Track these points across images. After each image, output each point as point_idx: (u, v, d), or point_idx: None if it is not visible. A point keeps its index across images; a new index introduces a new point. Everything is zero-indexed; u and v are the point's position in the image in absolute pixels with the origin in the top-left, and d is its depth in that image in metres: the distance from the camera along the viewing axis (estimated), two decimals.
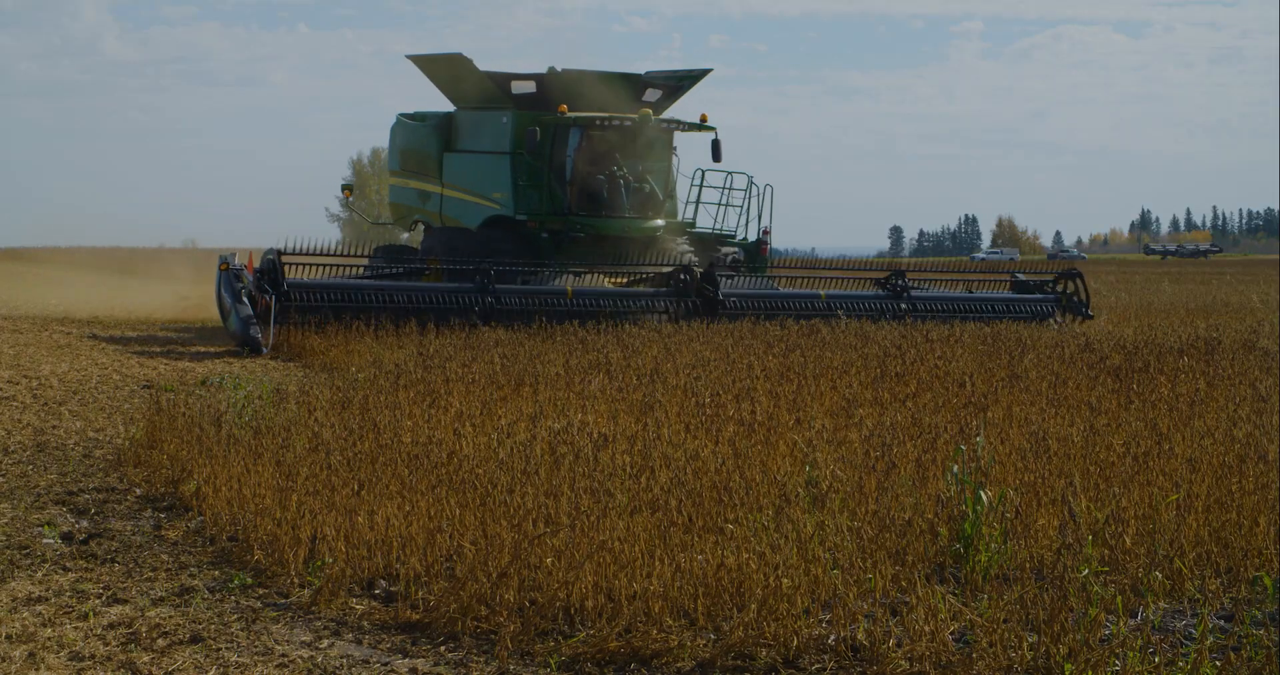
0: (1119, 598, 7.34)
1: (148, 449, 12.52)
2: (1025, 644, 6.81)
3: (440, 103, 29.90)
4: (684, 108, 30.31)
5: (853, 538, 8.43)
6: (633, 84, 28.95)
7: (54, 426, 14.68)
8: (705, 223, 28.97)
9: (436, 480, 9.74)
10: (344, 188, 30.88)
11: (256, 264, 23.23)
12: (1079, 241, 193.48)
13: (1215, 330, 19.42)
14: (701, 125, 28.25)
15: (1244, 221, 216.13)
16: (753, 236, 28.86)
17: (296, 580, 8.70)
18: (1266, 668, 6.43)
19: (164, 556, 9.47)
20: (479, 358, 16.08)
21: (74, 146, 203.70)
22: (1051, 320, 27.19)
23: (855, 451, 10.45)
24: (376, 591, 8.47)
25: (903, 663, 6.97)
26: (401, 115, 30.96)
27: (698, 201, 29.10)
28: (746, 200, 28.75)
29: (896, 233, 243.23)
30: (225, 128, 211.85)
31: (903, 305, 26.25)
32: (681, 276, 25.36)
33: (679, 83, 29.50)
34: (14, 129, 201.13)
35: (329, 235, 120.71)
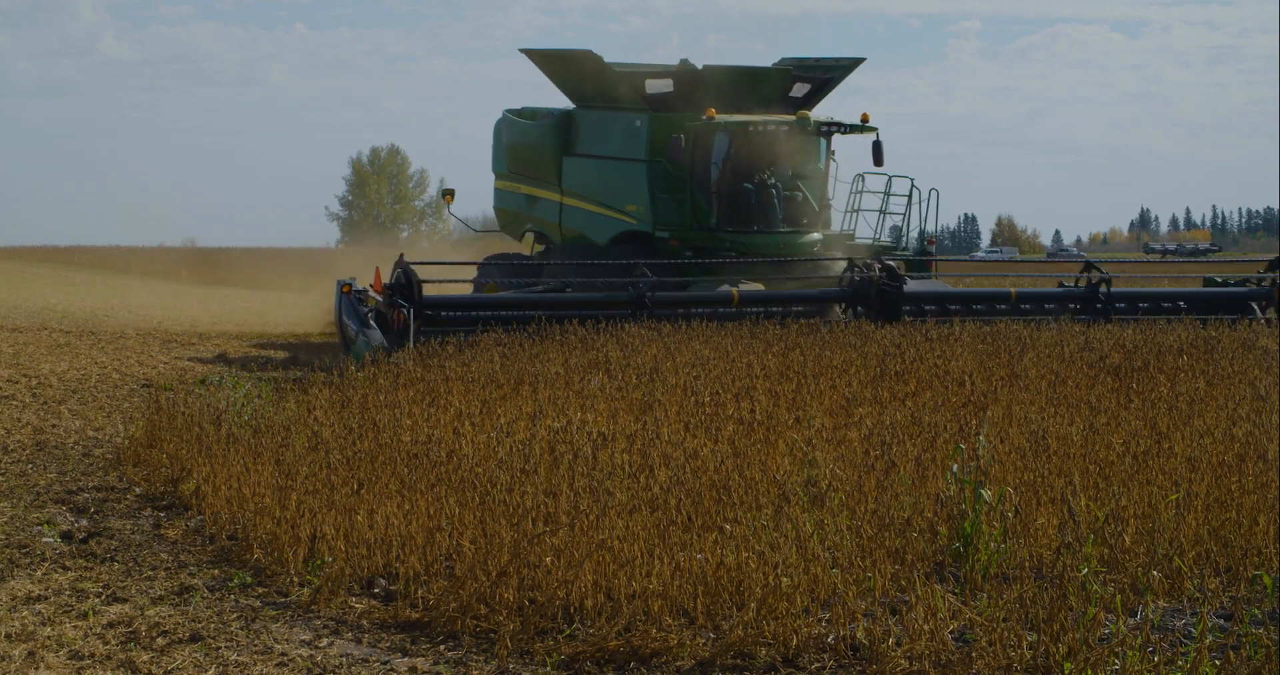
0: (1118, 597, 7.34)
1: (147, 448, 12.53)
2: (1025, 643, 6.81)
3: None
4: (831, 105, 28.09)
5: (852, 537, 8.43)
6: (780, 79, 25.92)
7: (53, 425, 14.69)
8: (861, 233, 26.05)
9: (436, 479, 9.73)
10: (444, 193, 28.30)
11: (385, 280, 20.56)
12: (1078, 240, 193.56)
13: (1215, 329, 19.39)
14: (863, 126, 25.24)
15: (1243, 220, 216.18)
16: (914, 246, 25.88)
17: (296, 579, 8.70)
18: (1266, 666, 6.43)
19: (163, 555, 9.47)
20: (479, 357, 16.07)
21: (72, 146, 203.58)
22: (1261, 318, 23.70)
23: (855, 450, 10.44)
24: (376, 590, 8.47)
25: (902, 662, 6.97)
26: (509, 111, 28.18)
27: (857, 210, 26.00)
28: (908, 207, 25.75)
29: (895, 233, 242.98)
30: (224, 127, 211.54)
31: (1099, 303, 23.24)
32: (858, 273, 22.46)
33: (828, 74, 26.34)
34: (12, 129, 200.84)
35: (329, 234, 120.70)
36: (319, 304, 37.38)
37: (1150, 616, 7.15)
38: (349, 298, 20.69)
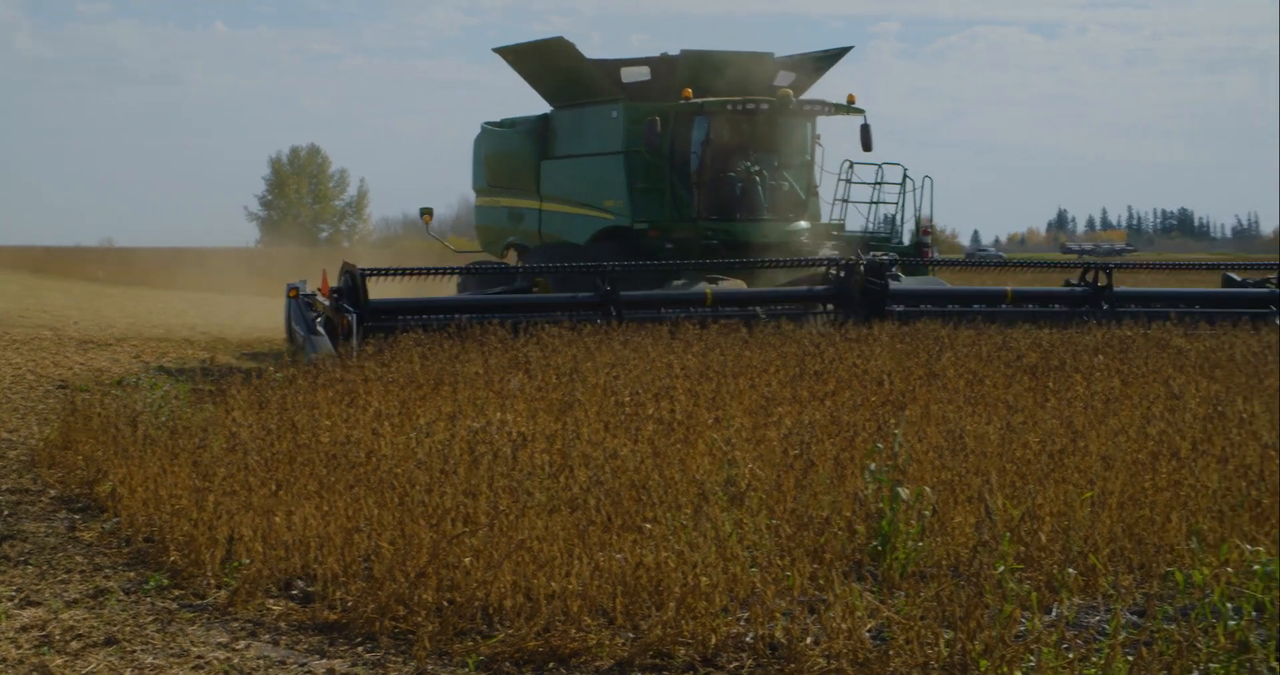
0: (1034, 594, 7.38)
1: (62, 449, 12.42)
2: (941, 641, 6.86)
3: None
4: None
5: (771, 536, 8.45)
6: (763, 66, 24.69)
7: None
8: (852, 223, 24.91)
9: (354, 480, 9.70)
10: (423, 212, 26.18)
11: (332, 283, 19.85)
12: (997, 241, 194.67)
13: (1130, 329, 19.55)
14: (849, 107, 24.01)
15: (1158, 221, 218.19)
16: (909, 238, 24.44)
17: (213, 581, 8.65)
18: (1178, 662, 6.49)
19: (79, 558, 9.39)
20: (398, 357, 16.02)
21: None
22: (1277, 321, 22.32)
23: (774, 450, 10.47)
24: (294, 592, 8.43)
25: (820, 660, 7.00)
26: (487, 123, 27.28)
27: (846, 199, 24.67)
28: (902, 196, 24.34)
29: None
30: (143, 126, 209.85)
31: (1105, 304, 22.12)
32: (840, 270, 21.46)
33: (816, 63, 25.40)
34: None
35: (248, 234, 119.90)
36: (239, 304, 37.20)
37: (1065, 613, 7.20)
38: (297, 302, 19.96)
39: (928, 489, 8.77)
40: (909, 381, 13.86)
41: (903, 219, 24.48)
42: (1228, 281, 24.28)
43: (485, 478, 9.63)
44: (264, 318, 31.40)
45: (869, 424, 11.27)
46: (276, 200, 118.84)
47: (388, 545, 8.36)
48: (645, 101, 23.78)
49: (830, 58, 25.43)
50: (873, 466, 8.77)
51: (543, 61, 25.27)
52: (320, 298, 19.75)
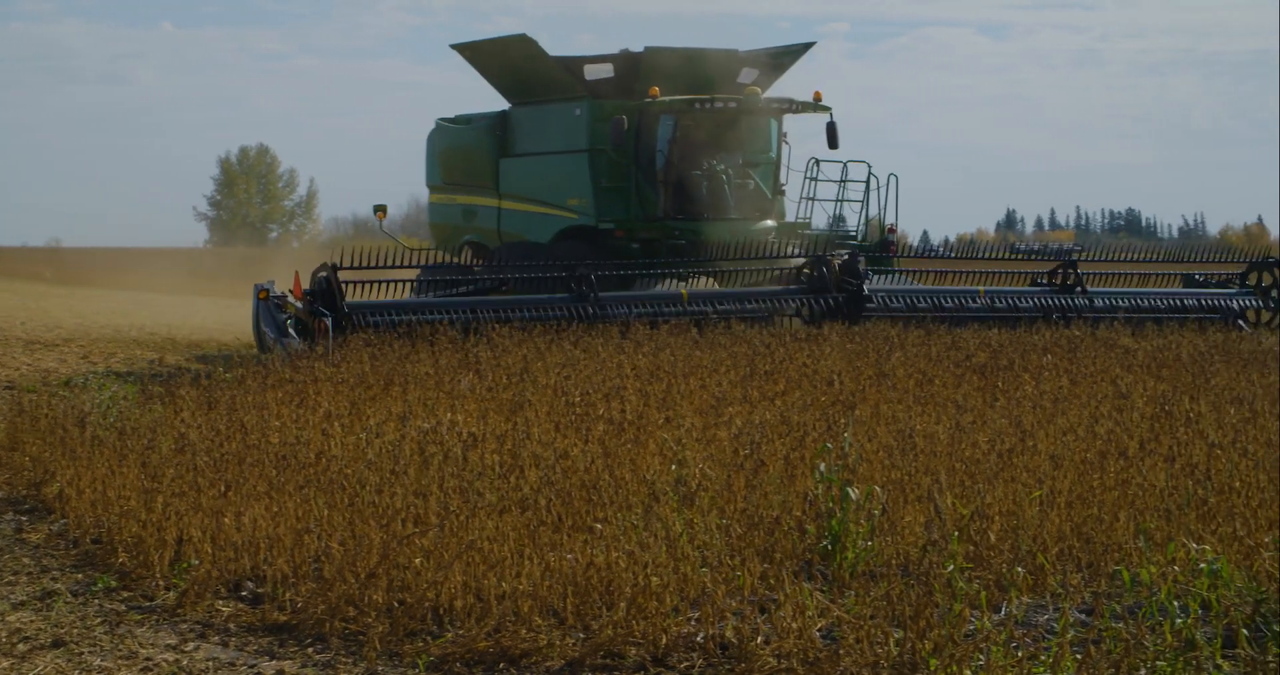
0: (983, 593, 7.42)
1: (9, 451, 12.35)
2: (891, 640, 6.88)
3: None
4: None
5: (721, 536, 8.47)
6: (726, 62, 24.32)
7: None
8: (818, 221, 24.59)
9: (304, 481, 9.67)
10: (377, 209, 25.20)
11: (305, 285, 19.35)
12: (945, 241, 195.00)
13: (1079, 328, 19.64)
14: (816, 104, 23.71)
15: (1106, 221, 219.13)
16: (875, 237, 24.16)
17: (162, 583, 8.62)
18: (1125, 660, 6.53)
19: (25, 560, 9.34)
20: (349, 357, 15.97)
21: None
22: (1241, 322, 22.48)
23: (724, 450, 10.49)
24: (243, 593, 8.41)
25: (770, 660, 7.01)
26: (441, 120, 26.73)
27: (812, 197, 24.36)
28: (866, 193, 24.11)
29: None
30: (90, 125, 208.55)
31: (1077, 302, 21.94)
32: (816, 270, 21.23)
33: (779, 60, 24.99)
34: None
35: (196, 234, 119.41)
36: (187, 305, 37.04)
37: (1014, 612, 7.23)
38: (267, 304, 19.33)
39: (877, 488, 8.80)
40: (859, 381, 13.90)
41: (866, 217, 24.24)
42: (1190, 282, 23.85)
43: (435, 478, 9.61)
44: (213, 318, 31.30)
45: (819, 424, 11.30)
46: (225, 200, 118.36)
47: (338, 546, 8.34)
48: (608, 99, 23.54)
49: (793, 53, 25.21)
50: (823, 466, 8.79)
51: (504, 58, 24.92)
52: (292, 299, 19.29)
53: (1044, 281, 22.69)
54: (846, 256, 21.49)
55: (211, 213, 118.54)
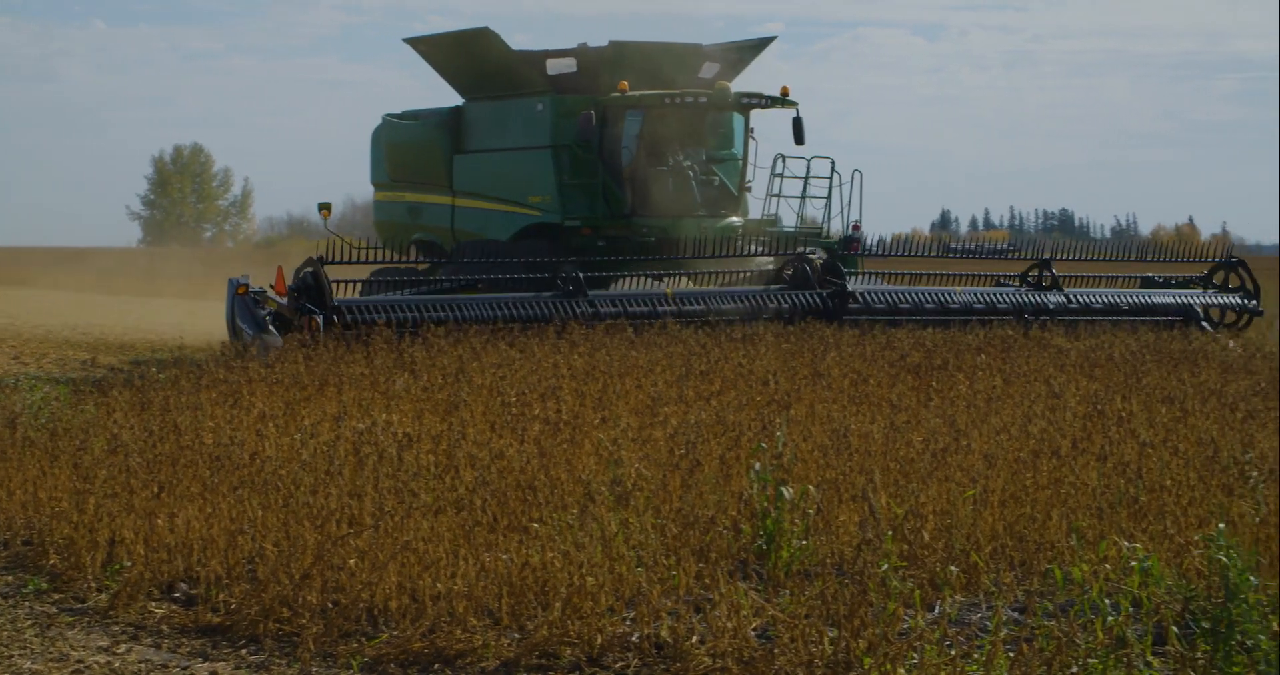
0: (917, 592, 7.45)
1: None
2: (826, 639, 6.90)
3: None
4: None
5: (657, 535, 8.48)
6: (689, 56, 23.88)
7: None
8: (785, 218, 23.98)
9: (239, 481, 9.63)
10: (321, 207, 23.12)
11: (288, 281, 18.74)
12: (880, 241, 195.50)
13: (1012, 328, 19.72)
14: (784, 99, 23.36)
15: (1039, 221, 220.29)
16: (839, 233, 23.67)
17: (94, 584, 8.56)
18: (1057, 658, 6.58)
19: None
20: (283, 357, 15.90)
21: None
22: (1205, 323, 22.39)
23: (660, 449, 10.50)
24: (176, 595, 8.36)
25: (705, 659, 7.02)
26: (389, 116, 26.09)
27: (779, 194, 23.89)
28: (830, 190, 23.73)
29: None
30: (21, 123, 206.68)
31: (1052, 304, 21.71)
32: (797, 270, 20.85)
33: (740, 54, 24.62)
34: None
35: (130, 234, 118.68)
36: (121, 305, 36.79)
37: (948, 611, 7.27)
38: (244, 299, 18.77)
39: (812, 488, 8.83)
40: (794, 381, 13.93)
41: (830, 213, 23.90)
42: (1145, 281, 23.66)
43: (370, 479, 9.59)
44: (147, 318, 31.11)
45: (754, 423, 11.32)
46: (159, 200, 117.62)
47: (272, 547, 8.31)
48: (570, 94, 23.08)
49: (754, 48, 24.89)
50: (758, 466, 8.83)
51: (464, 53, 24.33)
52: (271, 294, 18.82)
53: (1019, 282, 22.58)
54: (825, 256, 21.30)
55: (145, 212, 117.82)
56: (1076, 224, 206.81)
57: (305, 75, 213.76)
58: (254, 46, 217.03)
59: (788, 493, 8.48)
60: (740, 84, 24.04)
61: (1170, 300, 22.66)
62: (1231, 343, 20.00)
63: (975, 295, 21.69)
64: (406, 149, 25.56)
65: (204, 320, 27.96)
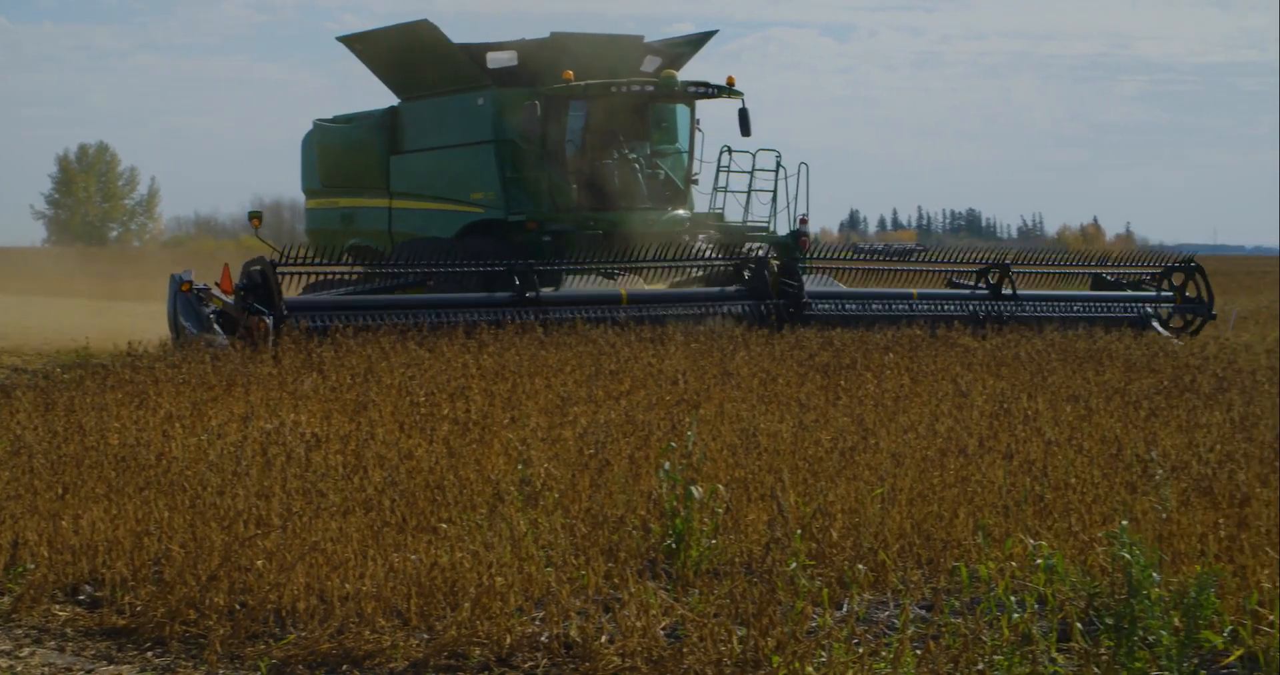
0: (825, 590, 7.48)
1: None
2: (734, 638, 6.92)
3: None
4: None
5: (566, 535, 8.48)
6: (631, 49, 23.68)
7: None
8: (729, 212, 23.95)
9: (144, 482, 9.55)
10: (252, 216, 22.85)
11: (235, 280, 18.40)
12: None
13: (918, 328, 19.80)
14: (731, 89, 23.10)
15: (947, 221, 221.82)
16: (785, 227, 23.45)
17: None
18: (964, 655, 6.62)
19: None
20: (190, 358, 15.78)
21: None
22: (1156, 324, 22.32)
23: (569, 449, 10.50)
24: (81, 597, 8.28)
25: (615, 658, 7.03)
26: (320, 121, 25.70)
27: (725, 188, 23.75)
28: (776, 183, 23.35)
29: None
30: None
31: (1007, 305, 21.49)
32: (754, 271, 20.48)
33: (681, 49, 24.44)
34: None
35: (34, 233, 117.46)
36: (25, 305, 36.37)
37: (856, 609, 7.31)
38: (188, 296, 18.38)
39: (721, 487, 8.85)
40: (703, 380, 13.97)
41: (776, 208, 23.59)
42: (1099, 282, 23.44)
43: (278, 479, 9.53)
44: (51, 319, 30.74)
45: (664, 423, 11.35)
46: (64, 199, 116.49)
47: (178, 548, 8.25)
48: (511, 87, 22.78)
49: (696, 42, 24.68)
50: (667, 465, 8.84)
51: (402, 48, 23.91)
52: (217, 292, 18.45)
53: (973, 284, 22.27)
54: (788, 256, 21.02)
55: (50, 211, 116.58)
56: (984, 224, 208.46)
57: (215, 74, 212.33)
58: (162, 44, 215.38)
59: (697, 492, 8.50)
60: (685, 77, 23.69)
61: (1123, 304, 22.47)
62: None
63: (930, 299, 21.42)
64: (340, 153, 25.16)
65: (111, 320, 27.72)
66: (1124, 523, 7.52)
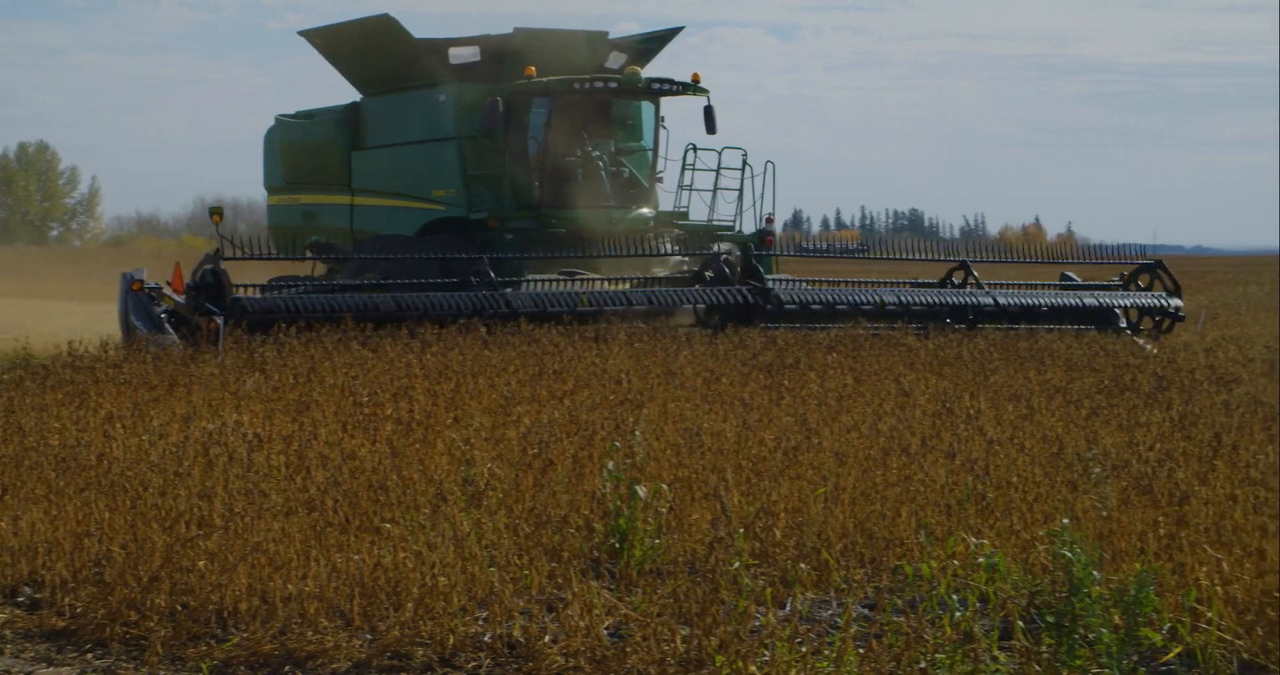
0: (769, 589, 7.50)
1: None
2: (678, 637, 6.92)
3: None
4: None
5: (509, 535, 8.47)
6: (596, 45, 23.45)
7: None
8: (694, 211, 23.59)
9: (85, 483, 9.49)
10: (213, 212, 21.05)
11: (186, 279, 18.05)
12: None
13: (863, 327, 19.83)
14: (696, 86, 22.88)
15: (890, 221, 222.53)
16: (751, 227, 23.05)
17: None
18: (906, 654, 6.65)
19: None
20: (131, 358, 15.69)
21: None
22: (1124, 326, 21.74)
23: (512, 449, 10.49)
24: (20, 599, 8.23)
25: (558, 658, 7.03)
26: (282, 116, 25.40)
27: (690, 186, 23.42)
28: (742, 182, 23.04)
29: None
30: None
31: (979, 305, 20.94)
32: (716, 270, 20.15)
33: (647, 45, 24.15)
34: None
35: None
36: None
37: (799, 608, 7.33)
38: (139, 296, 17.99)
39: (665, 487, 8.86)
40: (647, 380, 13.97)
41: (741, 207, 23.24)
42: (1064, 280, 22.75)
43: (220, 480, 9.49)
44: None
45: (607, 422, 11.34)
46: (4, 198, 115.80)
47: (119, 549, 8.20)
48: (474, 83, 22.51)
49: (661, 38, 24.42)
50: (610, 465, 8.84)
51: (363, 43, 23.54)
52: (168, 292, 18.15)
53: (938, 284, 21.90)
54: (741, 254, 20.62)
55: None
56: (926, 223, 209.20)
57: (156, 72, 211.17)
58: (104, 43, 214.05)
59: (641, 492, 8.51)
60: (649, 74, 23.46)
61: (1094, 301, 21.88)
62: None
63: (899, 297, 20.84)
64: (301, 149, 24.90)
65: (52, 320, 27.53)
66: (1065, 521, 7.56)
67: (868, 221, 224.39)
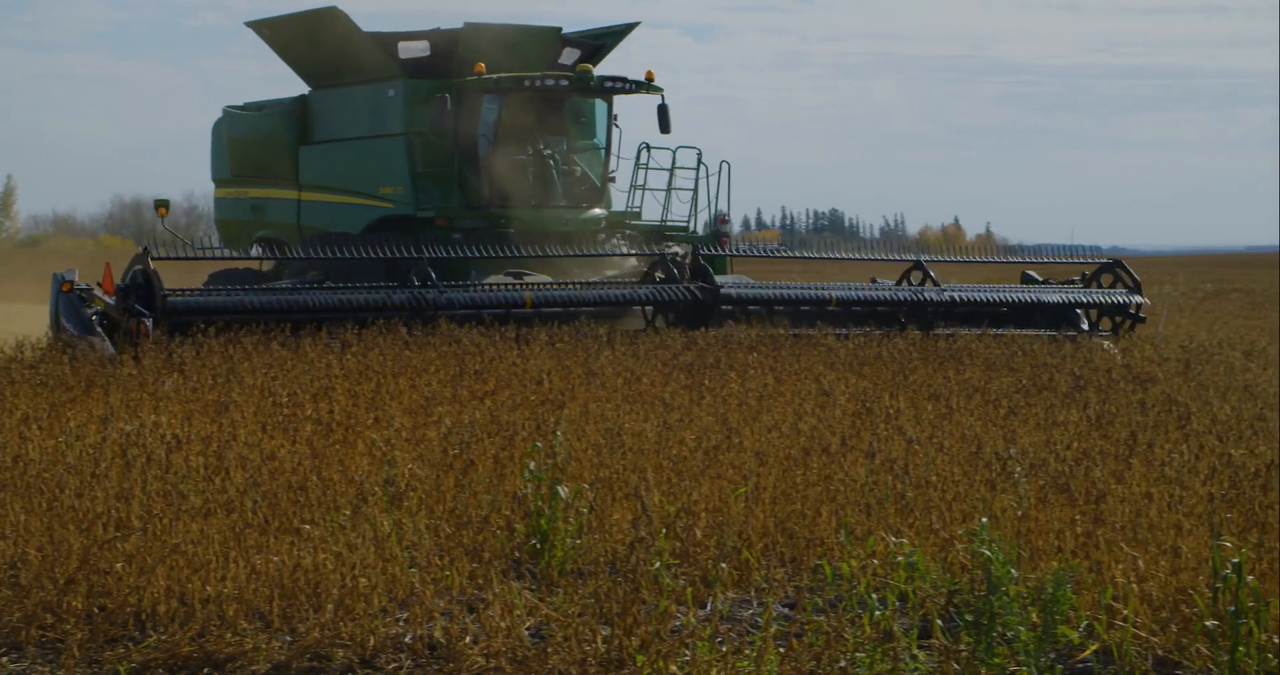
0: (689, 589, 7.53)
1: None
2: (599, 637, 6.93)
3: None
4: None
5: (430, 536, 8.46)
6: (549, 40, 23.08)
7: None
8: (647, 211, 23.21)
9: (0, 485, 9.40)
10: (158, 205, 22.66)
11: (116, 280, 17.50)
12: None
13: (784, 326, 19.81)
14: (649, 85, 22.47)
15: (810, 221, 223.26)
16: (704, 228, 22.89)
17: None
18: (826, 652, 6.68)
19: None
20: (49, 358, 15.54)
21: None
22: (1083, 330, 20.99)
23: (433, 449, 10.47)
24: None
25: (479, 659, 7.02)
26: (230, 108, 24.88)
27: (643, 186, 23.05)
28: (696, 182, 22.76)
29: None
30: None
31: (931, 306, 20.27)
32: (664, 270, 19.58)
33: (601, 40, 23.76)
34: None
35: None
36: None
37: (720, 607, 7.35)
38: (69, 297, 17.43)
39: (586, 487, 8.87)
40: (568, 380, 13.97)
41: (696, 207, 22.92)
42: (1026, 280, 22.06)
43: (138, 481, 9.42)
44: None
45: (529, 423, 11.34)
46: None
47: (35, 552, 8.13)
48: (423, 79, 22.04)
49: (616, 34, 24.02)
50: (532, 465, 8.85)
51: (310, 35, 23.05)
52: (100, 293, 17.63)
53: (894, 284, 21.10)
54: (691, 256, 19.82)
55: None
56: (846, 224, 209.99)
57: (72, 70, 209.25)
58: (15, 40, 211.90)
59: (563, 492, 8.51)
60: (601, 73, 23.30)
61: (1056, 299, 21.25)
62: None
63: (846, 301, 20.09)
64: (249, 142, 24.44)
65: None
66: (983, 520, 7.62)
67: (788, 222, 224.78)
